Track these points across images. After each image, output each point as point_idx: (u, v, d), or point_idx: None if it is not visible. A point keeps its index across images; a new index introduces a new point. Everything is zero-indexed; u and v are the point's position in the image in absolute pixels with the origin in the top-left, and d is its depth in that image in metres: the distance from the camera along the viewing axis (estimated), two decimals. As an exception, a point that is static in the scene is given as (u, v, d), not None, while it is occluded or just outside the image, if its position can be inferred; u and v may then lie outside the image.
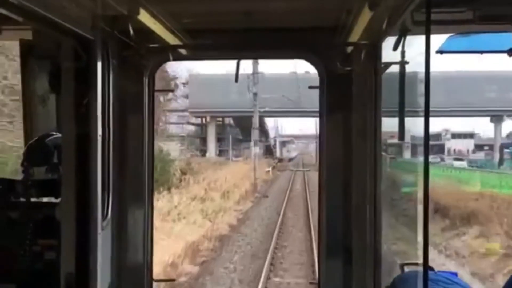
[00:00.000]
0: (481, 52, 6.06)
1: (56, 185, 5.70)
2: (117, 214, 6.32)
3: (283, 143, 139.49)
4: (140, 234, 6.70)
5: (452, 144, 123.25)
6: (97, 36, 5.37)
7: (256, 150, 76.30)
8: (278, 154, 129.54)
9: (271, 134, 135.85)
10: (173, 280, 6.77)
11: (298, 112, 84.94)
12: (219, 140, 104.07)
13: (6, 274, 3.68)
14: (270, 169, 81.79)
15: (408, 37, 5.02)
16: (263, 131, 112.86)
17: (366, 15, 5.24)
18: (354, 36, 5.99)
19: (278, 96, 79.39)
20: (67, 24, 4.82)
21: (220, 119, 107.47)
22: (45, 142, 6.08)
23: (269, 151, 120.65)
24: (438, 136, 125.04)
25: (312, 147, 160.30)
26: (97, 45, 5.37)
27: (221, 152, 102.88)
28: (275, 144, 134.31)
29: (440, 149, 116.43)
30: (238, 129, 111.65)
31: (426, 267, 3.55)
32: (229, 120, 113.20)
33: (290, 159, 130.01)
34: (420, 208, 3.87)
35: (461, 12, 4.78)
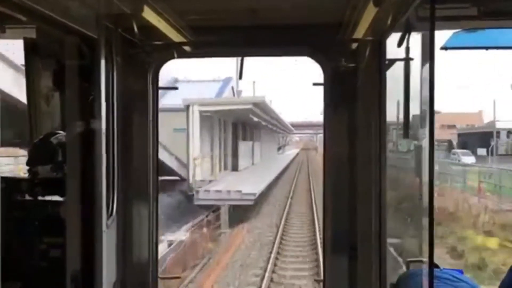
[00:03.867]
0: (487, 48, 6.03)
1: (61, 184, 5.72)
2: (122, 211, 6.33)
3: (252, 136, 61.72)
4: (145, 231, 6.71)
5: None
6: (101, 35, 5.37)
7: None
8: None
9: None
10: (178, 277, 6.70)
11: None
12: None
13: (12, 273, 3.70)
14: None
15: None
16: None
17: (371, 11, 5.23)
18: (359, 33, 5.98)
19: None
20: (71, 23, 4.83)
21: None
22: (50, 140, 6.10)
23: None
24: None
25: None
26: (101, 43, 5.37)
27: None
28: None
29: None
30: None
31: (432, 264, 3.54)
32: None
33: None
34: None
35: (466, 8, 4.76)
